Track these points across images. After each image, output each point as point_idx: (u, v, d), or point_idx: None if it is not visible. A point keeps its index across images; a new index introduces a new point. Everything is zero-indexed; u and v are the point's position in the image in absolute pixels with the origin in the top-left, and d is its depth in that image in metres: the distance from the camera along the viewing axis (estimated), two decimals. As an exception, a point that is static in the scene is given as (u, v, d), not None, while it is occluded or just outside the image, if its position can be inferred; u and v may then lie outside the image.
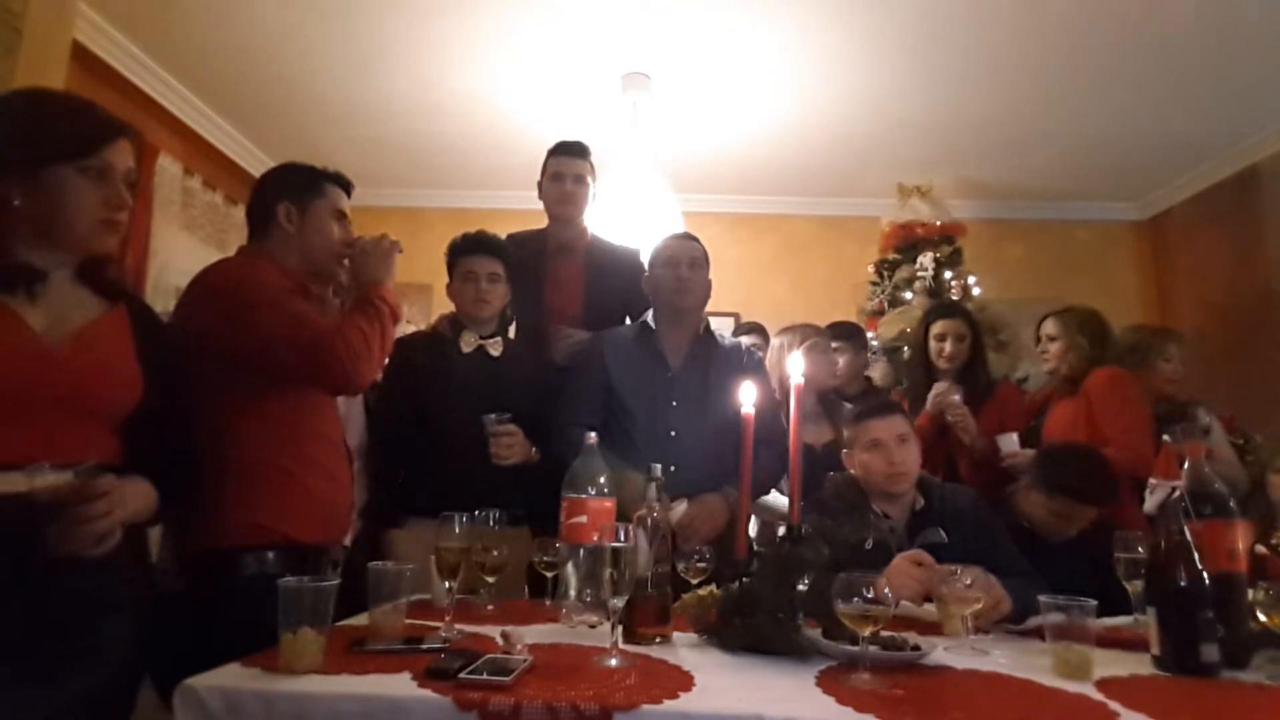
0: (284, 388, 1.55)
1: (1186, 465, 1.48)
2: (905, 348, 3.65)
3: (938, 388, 2.67)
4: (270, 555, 1.46)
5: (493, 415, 2.03)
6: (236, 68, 3.68)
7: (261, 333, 1.46)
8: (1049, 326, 2.73)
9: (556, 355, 2.37)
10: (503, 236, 2.36)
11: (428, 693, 0.97)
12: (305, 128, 4.19)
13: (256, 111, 4.10)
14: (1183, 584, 1.27)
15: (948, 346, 2.79)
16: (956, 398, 2.63)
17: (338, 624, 1.24)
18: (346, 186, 1.76)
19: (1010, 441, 2.46)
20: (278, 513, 1.49)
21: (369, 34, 3.37)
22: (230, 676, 1.04)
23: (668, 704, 0.96)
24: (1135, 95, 3.66)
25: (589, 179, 2.55)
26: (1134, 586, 1.57)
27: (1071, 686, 1.12)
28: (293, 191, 1.67)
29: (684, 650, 1.30)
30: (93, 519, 1.05)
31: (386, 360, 1.79)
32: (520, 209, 4.47)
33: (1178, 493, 1.41)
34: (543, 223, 2.64)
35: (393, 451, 2.14)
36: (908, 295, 4.18)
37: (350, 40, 3.42)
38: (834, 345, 2.84)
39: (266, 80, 3.77)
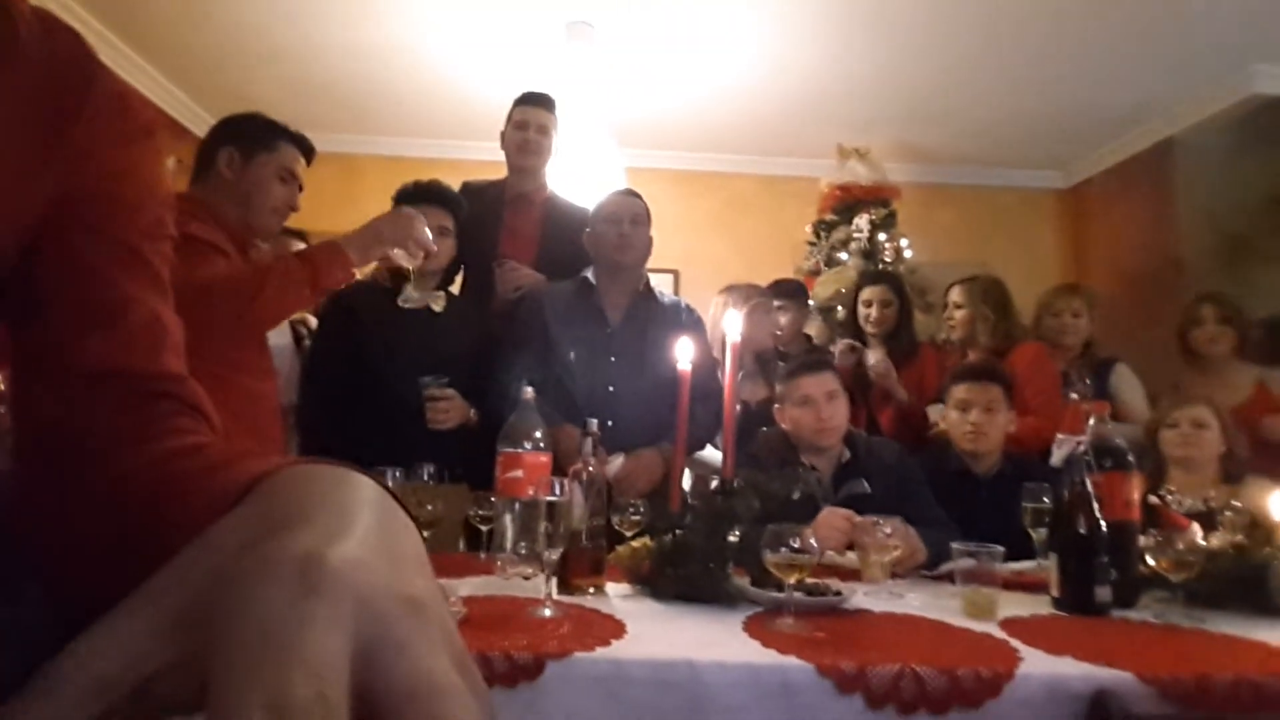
0: (210, 341, 1.50)
1: (1091, 421, 1.59)
2: (839, 307, 3.74)
3: (874, 365, 2.77)
4: None
5: (429, 378, 1.97)
6: (158, 6, 3.42)
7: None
8: (954, 295, 2.88)
9: (502, 288, 2.34)
10: (454, 186, 2.30)
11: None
12: (233, 68, 3.93)
13: (181, 53, 3.82)
14: (1082, 531, 1.37)
15: (874, 312, 2.93)
16: (888, 371, 2.76)
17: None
18: (306, 150, 1.69)
19: (940, 410, 2.58)
20: None
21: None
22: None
23: (600, 651, 0.98)
24: (1065, 65, 3.75)
25: (552, 131, 2.50)
26: (1038, 534, 1.69)
27: (978, 626, 1.20)
28: (241, 139, 1.61)
29: (617, 600, 1.33)
30: None
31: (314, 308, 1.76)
32: (458, 159, 4.38)
33: (1082, 447, 1.51)
34: (483, 174, 2.59)
35: (328, 406, 2.06)
36: (843, 256, 4.26)
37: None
38: (777, 304, 2.89)
39: (191, 19, 3.51)
